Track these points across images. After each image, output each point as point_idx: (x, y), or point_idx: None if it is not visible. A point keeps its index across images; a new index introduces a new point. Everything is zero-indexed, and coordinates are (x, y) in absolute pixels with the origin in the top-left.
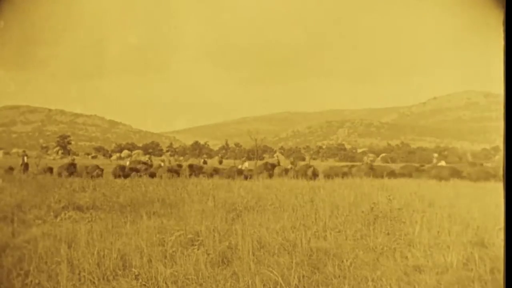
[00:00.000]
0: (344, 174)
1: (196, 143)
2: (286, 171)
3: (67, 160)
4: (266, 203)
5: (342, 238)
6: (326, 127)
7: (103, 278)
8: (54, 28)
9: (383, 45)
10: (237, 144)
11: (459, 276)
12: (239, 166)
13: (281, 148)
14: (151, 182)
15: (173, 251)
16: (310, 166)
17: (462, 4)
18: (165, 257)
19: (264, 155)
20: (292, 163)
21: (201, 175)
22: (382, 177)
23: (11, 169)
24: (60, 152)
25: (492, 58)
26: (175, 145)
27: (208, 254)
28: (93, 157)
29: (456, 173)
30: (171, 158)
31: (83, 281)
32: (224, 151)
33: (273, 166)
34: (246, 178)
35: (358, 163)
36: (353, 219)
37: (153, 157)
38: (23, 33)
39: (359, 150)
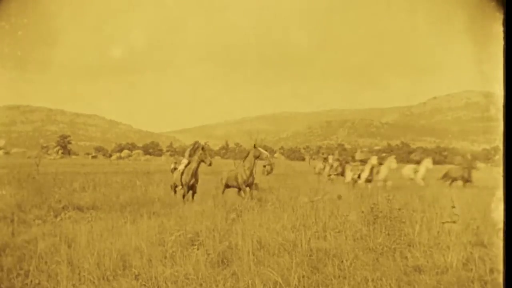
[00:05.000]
0: None
1: (196, 143)
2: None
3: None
4: (266, 203)
5: (342, 238)
6: (326, 127)
7: (103, 278)
8: (55, 28)
9: (383, 45)
10: (237, 144)
11: (459, 276)
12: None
13: (281, 148)
14: (151, 182)
15: (173, 251)
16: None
17: (462, 4)
18: (165, 257)
19: None
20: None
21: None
22: None
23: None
24: (60, 152)
25: (492, 58)
26: (175, 145)
27: (208, 254)
28: (93, 157)
29: None
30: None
31: (83, 281)
32: (224, 151)
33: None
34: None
35: None
36: (353, 220)
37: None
38: (24, 33)
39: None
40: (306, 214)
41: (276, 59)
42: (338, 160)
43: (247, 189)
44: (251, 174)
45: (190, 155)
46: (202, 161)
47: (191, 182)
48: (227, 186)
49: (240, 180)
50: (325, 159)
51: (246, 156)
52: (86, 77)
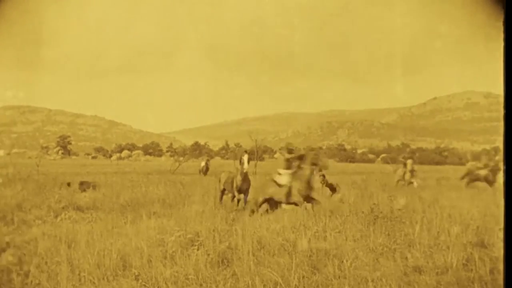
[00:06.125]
0: None
1: (196, 143)
2: None
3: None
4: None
5: (342, 239)
6: (326, 127)
7: (103, 279)
8: (55, 28)
9: (383, 46)
10: (237, 145)
11: (459, 276)
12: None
13: (281, 148)
14: (151, 182)
15: (173, 252)
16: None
17: (462, 4)
18: (165, 257)
19: (264, 156)
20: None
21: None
22: None
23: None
24: (60, 152)
25: (492, 58)
26: (175, 146)
27: (208, 255)
28: (93, 157)
29: None
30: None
31: (83, 281)
32: (224, 151)
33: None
34: None
35: None
36: (353, 220)
37: None
38: (24, 33)
39: (359, 151)
40: (306, 214)
41: (276, 60)
42: (486, 165)
43: (241, 195)
44: (245, 179)
45: (289, 161)
46: (315, 164)
47: (307, 193)
48: (223, 190)
49: (234, 185)
50: (404, 164)
51: (240, 160)
52: (86, 78)
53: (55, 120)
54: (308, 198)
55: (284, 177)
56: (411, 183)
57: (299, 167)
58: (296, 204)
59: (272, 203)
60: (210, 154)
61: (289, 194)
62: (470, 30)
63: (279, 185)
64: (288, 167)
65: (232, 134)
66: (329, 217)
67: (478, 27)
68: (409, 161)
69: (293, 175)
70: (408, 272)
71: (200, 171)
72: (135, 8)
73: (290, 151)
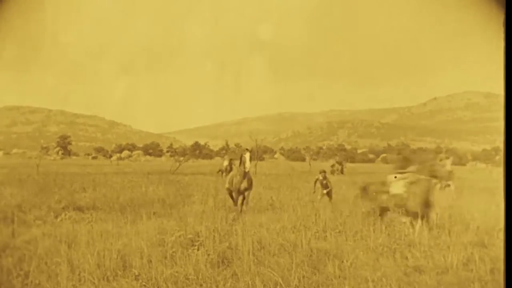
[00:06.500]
0: None
1: (196, 143)
2: None
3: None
4: (266, 203)
5: (342, 239)
6: (327, 127)
7: (103, 279)
8: (55, 29)
9: (383, 46)
10: (237, 145)
11: (459, 276)
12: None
13: (282, 148)
14: (151, 182)
15: (173, 252)
16: None
17: (462, 4)
18: (165, 257)
19: (264, 156)
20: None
21: (200, 175)
22: None
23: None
24: (60, 152)
25: (492, 58)
26: (175, 146)
27: (208, 255)
28: (93, 158)
29: None
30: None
31: (83, 281)
32: (224, 151)
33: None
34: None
35: None
36: (354, 220)
37: None
38: (24, 34)
39: (359, 151)
40: (307, 215)
41: (277, 60)
42: None
43: (240, 197)
44: (242, 179)
45: (403, 167)
46: (434, 176)
47: (424, 208)
48: (228, 190)
49: (234, 185)
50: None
51: (240, 159)
52: (86, 78)
53: (55, 120)
54: (423, 214)
55: (399, 186)
56: (448, 185)
57: (415, 176)
58: (414, 218)
59: (382, 211)
60: (210, 155)
61: (406, 205)
62: (470, 30)
63: (392, 194)
64: (401, 173)
65: (232, 134)
66: (329, 217)
67: (478, 27)
68: (447, 161)
69: (410, 185)
70: (408, 272)
71: (221, 171)
72: (135, 9)
73: (399, 152)
